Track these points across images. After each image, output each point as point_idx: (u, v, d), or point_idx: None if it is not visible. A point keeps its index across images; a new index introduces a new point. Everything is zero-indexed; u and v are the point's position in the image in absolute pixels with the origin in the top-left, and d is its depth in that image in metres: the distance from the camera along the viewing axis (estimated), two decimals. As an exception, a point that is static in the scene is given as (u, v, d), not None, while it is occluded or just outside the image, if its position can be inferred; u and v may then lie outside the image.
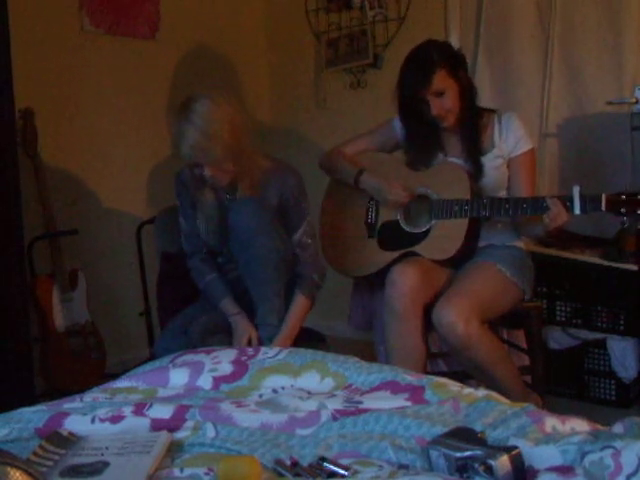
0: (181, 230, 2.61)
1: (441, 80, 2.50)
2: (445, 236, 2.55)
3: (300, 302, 2.49)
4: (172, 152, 2.53)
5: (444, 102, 2.52)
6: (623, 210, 2.23)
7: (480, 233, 2.61)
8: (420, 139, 2.66)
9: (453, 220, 2.52)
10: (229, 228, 2.44)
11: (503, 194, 2.61)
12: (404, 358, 2.44)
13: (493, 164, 2.59)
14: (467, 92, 2.58)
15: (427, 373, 2.38)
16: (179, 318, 2.50)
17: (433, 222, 2.58)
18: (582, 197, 2.29)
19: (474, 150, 2.58)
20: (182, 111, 2.31)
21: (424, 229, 2.60)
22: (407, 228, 2.65)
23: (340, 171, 2.78)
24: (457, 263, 2.59)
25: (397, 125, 2.76)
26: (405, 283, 2.44)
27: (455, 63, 2.56)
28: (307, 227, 2.52)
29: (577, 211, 2.30)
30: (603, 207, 2.25)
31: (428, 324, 2.49)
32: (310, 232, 2.54)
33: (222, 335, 2.46)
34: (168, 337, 2.44)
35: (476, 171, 2.57)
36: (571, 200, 2.30)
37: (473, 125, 2.59)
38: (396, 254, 2.61)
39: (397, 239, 2.65)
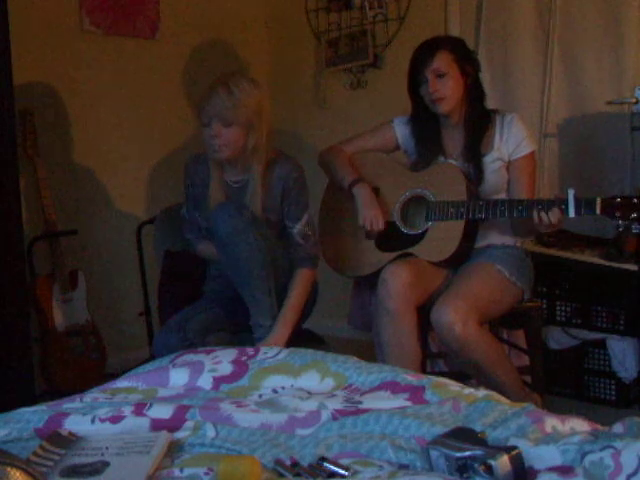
0: (182, 219, 2.66)
1: (443, 60, 2.53)
2: (441, 238, 2.55)
3: (303, 274, 2.53)
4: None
5: (443, 84, 2.53)
6: (617, 214, 2.23)
7: (478, 234, 2.61)
8: (422, 139, 2.66)
9: (449, 222, 2.52)
10: (212, 234, 2.47)
11: (502, 197, 2.61)
12: (398, 357, 2.44)
13: (492, 167, 2.59)
14: (474, 91, 2.60)
15: (427, 373, 2.38)
16: (178, 315, 2.51)
17: (430, 224, 2.58)
18: (577, 200, 2.29)
19: (475, 152, 2.58)
20: (219, 78, 2.48)
21: (421, 230, 2.60)
22: (404, 229, 2.65)
23: (337, 173, 2.76)
24: (454, 264, 2.59)
25: (397, 126, 2.76)
26: (396, 282, 2.44)
27: (463, 54, 2.59)
28: (308, 218, 2.57)
29: (571, 214, 2.29)
30: (598, 210, 2.25)
31: (428, 324, 2.49)
32: (311, 224, 2.59)
33: (220, 333, 2.47)
34: (166, 333, 2.45)
35: (476, 173, 2.57)
36: (566, 203, 2.30)
37: (477, 127, 2.59)
38: (393, 255, 2.61)
39: (394, 240, 2.64)
